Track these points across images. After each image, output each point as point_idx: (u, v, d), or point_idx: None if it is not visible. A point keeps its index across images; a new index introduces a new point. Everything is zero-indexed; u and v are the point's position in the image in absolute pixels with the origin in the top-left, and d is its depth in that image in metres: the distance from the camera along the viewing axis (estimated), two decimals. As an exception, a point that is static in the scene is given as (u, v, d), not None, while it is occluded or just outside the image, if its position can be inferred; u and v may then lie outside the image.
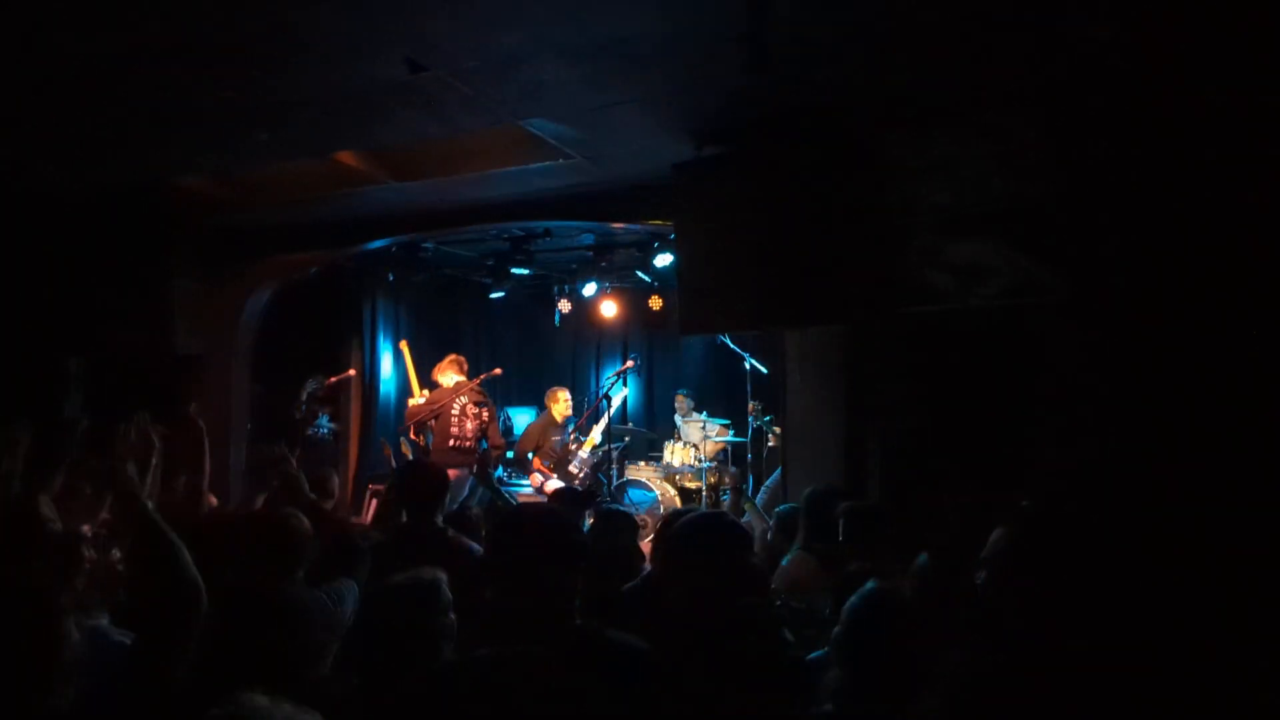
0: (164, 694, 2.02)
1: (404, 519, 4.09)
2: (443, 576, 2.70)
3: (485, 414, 7.59)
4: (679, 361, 11.84)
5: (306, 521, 3.20)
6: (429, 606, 2.62)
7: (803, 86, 4.35)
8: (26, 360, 6.66)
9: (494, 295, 10.11)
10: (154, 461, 3.62)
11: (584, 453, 8.47)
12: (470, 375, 7.96)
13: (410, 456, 7.94)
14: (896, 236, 4.38)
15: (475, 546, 3.83)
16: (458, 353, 8.09)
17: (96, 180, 5.87)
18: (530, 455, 8.27)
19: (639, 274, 9.59)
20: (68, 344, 7.02)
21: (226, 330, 7.51)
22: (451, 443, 7.40)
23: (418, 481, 4.05)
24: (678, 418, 10.11)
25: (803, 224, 4.67)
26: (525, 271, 9.20)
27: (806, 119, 4.67)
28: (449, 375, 7.70)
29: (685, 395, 10.28)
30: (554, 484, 8.03)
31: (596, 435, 8.63)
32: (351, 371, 9.31)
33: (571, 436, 8.52)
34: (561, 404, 8.46)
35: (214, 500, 4.69)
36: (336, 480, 5.57)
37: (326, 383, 8.67)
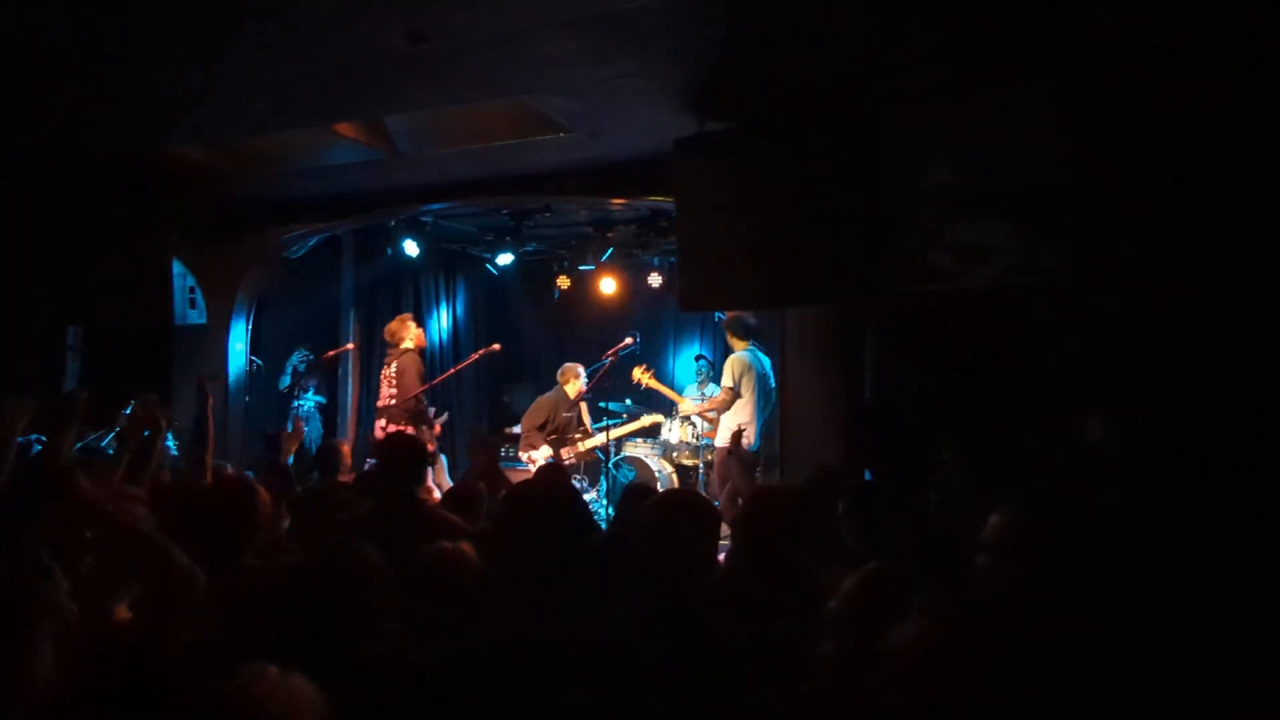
0: (158, 675, 2.00)
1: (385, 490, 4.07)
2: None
3: (393, 367, 7.60)
4: (677, 341, 11.83)
5: (263, 492, 3.18)
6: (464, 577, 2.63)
7: (806, 63, 4.31)
8: (24, 331, 6.64)
9: (493, 270, 10.07)
10: (160, 443, 3.63)
11: (581, 446, 8.44)
12: (468, 350, 7.96)
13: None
14: (899, 215, 4.35)
15: (456, 520, 3.83)
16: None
17: (96, 150, 5.83)
18: (537, 430, 8.25)
19: (639, 250, 9.55)
20: (66, 315, 7.00)
21: (225, 302, 7.48)
22: (379, 402, 7.63)
23: (397, 453, 4.02)
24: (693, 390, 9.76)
25: (804, 201, 4.64)
26: (525, 246, 9.15)
27: (810, 96, 4.63)
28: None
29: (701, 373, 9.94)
30: (543, 455, 8.04)
31: (599, 440, 8.53)
32: (350, 345, 9.28)
33: (579, 431, 8.48)
34: (578, 382, 8.43)
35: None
36: (344, 453, 5.56)
37: (324, 356, 8.64)
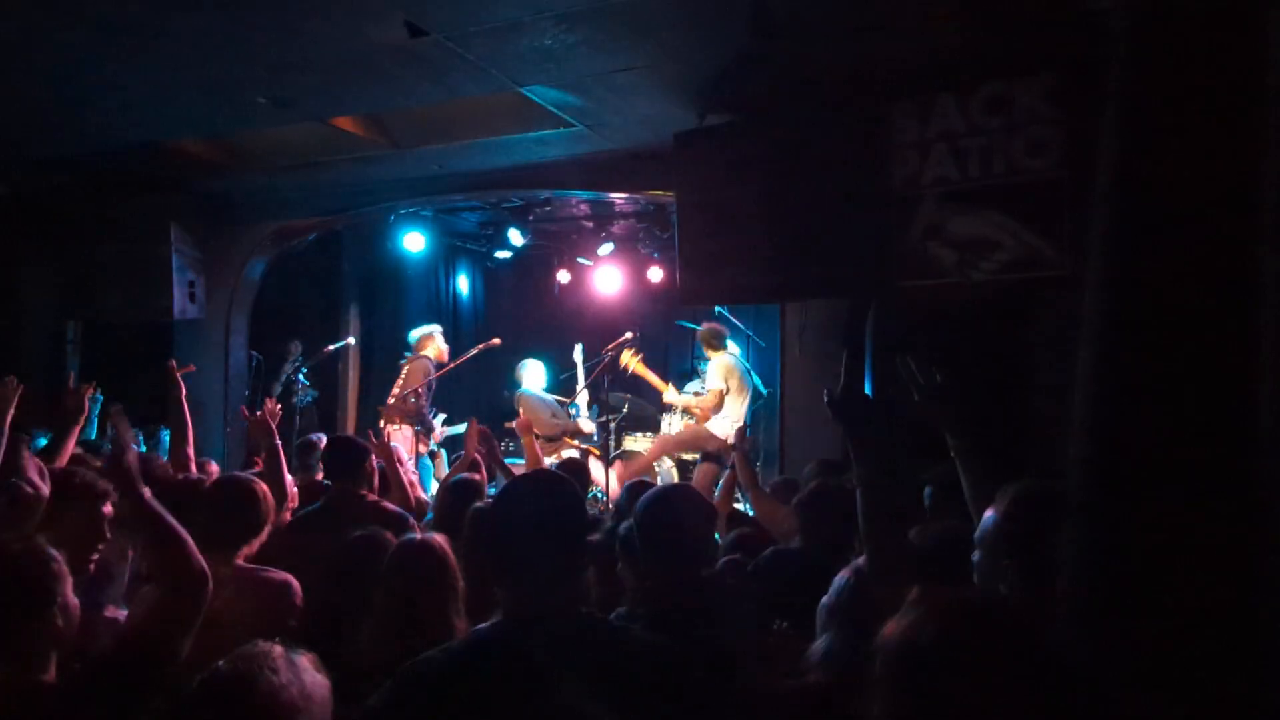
0: (161, 673, 1.99)
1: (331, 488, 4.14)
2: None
3: (404, 371, 7.88)
4: (678, 335, 11.80)
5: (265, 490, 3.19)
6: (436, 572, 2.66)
7: (807, 56, 4.29)
8: (24, 326, 6.64)
9: (493, 264, 10.07)
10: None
11: (585, 414, 8.54)
12: (469, 345, 8.10)
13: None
14: (899, 210, 4.34)
15: (401, 512, 3.88)
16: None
17: (95, 142, 5.82)
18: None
19: (639, 244, 9.54)
20: (65, 307, 6.99)
21: (224, 296, 7.48)
22: (389, 400, 7.91)
23: (338, 452, 4.16)
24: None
25: (805, 196, 4.63)
26: (525, 240, 9.16)
27: (810, 90, 4.61)
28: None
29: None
30: (569, 452, 8.11)
31: (583, 398, 8.74)
32: (350, 340, 9.28)
33: (567, 410, 8.56)
34: (535, 374, 8.63)
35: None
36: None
37: (323, 351, 8.66)
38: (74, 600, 2.08)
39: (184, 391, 4.76)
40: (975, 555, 2.19)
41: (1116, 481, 2.01)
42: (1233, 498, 1.88)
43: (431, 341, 8.02)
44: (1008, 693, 1.51)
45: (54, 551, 2.11)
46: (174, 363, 4.94)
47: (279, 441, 4.18)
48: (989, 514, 2.18)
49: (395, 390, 7.77)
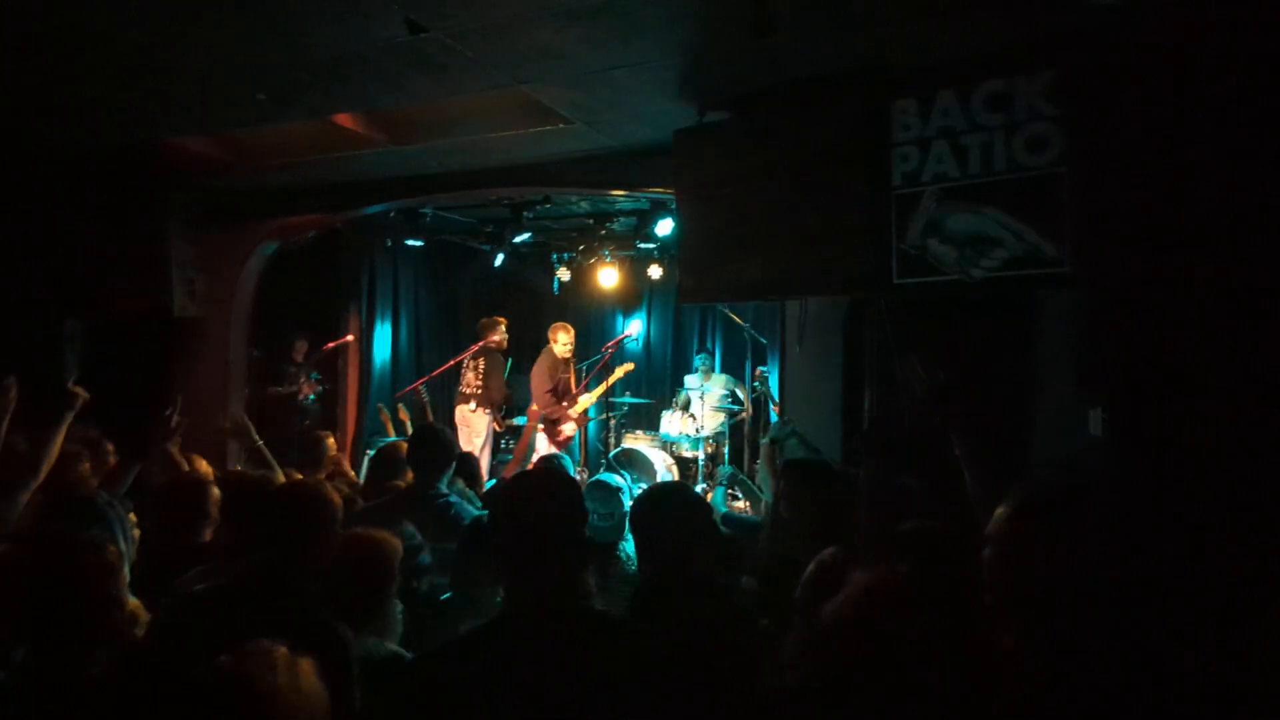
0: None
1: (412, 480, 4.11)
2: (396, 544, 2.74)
3: (482, 364, 8.76)
4: (679, 330, 11.82)
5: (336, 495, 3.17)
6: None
7: (807, 53, 4.29)
8: (22, 321, 6.63)
9: (493, 261, 10.06)
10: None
11: (573, 412, 8.51)
12: (468, 342, 8.28)
13: (408, 421, 7.99)
14: (899, 207, 4.33)
15: (472, 511, 3.83)
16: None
17: (92, 139, 5.81)
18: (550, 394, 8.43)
19: (639, 243, 9.53)
20: (64, 306, 6.98)
21: (224, 293, 7.47)
22: (459, 387, 8.84)
23: (423, 445, 4.07)
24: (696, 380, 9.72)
25: (805, 193, 4.62)
26: (525, 238, 9.17)
27: (810, 87, 4.61)
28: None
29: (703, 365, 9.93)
30: (543, 446, 8.09)
31: (587, 400, 8.70)
32: (350, 337, 9.30)
33: (564, 404, 8.53)
34: (561, 343, 8.63)
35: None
36: (328, 444, 5.53)
37: (324, 348, 8.68)
38: (128, 597, 2.10)
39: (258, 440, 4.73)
40: (986, 551, 2.19)
41: (1122, 478, 2.01)
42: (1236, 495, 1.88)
43: (497, 330, 8.88)
44: (916, 659, 1.57)
45: (110, 546, 2.14)
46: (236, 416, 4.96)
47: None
48: (999, 511, 2.18)
49: (477, 382, 8.62)
